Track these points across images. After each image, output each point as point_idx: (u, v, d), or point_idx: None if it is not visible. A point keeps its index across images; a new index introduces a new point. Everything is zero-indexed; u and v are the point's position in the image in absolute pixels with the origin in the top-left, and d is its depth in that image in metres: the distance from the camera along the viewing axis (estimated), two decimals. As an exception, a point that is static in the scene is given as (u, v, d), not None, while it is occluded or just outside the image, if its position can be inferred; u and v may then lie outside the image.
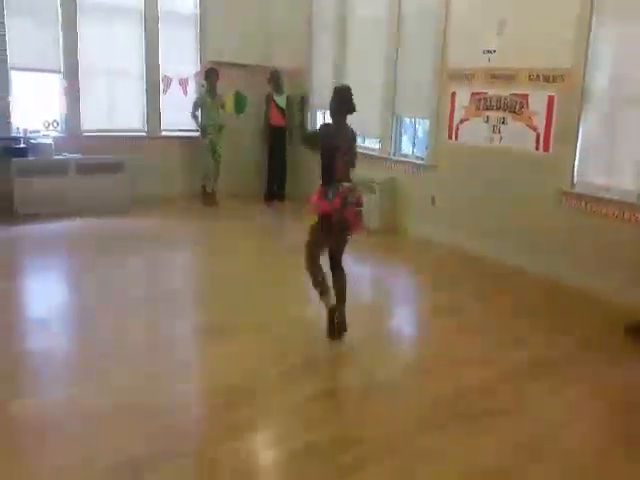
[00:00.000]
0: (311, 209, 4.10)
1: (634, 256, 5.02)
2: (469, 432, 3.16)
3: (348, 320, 4.23)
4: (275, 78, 8.78)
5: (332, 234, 4.11)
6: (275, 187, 9.04)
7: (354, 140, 4.31)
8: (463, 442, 3.06)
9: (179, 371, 3.70)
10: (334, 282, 4.24)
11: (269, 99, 8.86)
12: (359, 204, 4.14)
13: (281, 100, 8.82)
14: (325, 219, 4.03)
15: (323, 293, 4.16)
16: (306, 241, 4.18)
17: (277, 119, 8.83)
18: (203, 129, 8.38)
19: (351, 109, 4.15)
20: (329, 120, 4.32)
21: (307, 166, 8.84)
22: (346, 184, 4.07)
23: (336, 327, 4.16)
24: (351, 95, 4.16)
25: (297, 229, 5.01)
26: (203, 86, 8.49)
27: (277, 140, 8.89)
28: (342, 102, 4.14)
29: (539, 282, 5.70)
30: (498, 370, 3.91)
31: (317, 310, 4.38)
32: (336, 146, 4.05)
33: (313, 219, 4.10)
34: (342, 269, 4.29)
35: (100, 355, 3.86)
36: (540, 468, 2.87)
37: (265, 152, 9.08)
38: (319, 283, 4.15)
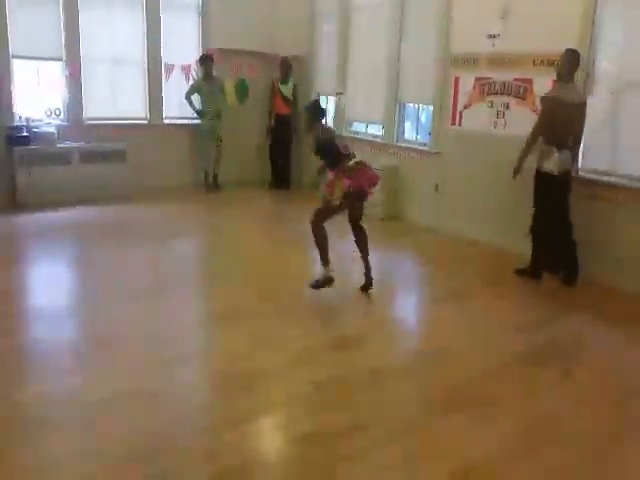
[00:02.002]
0: (339, 188, 4.58)
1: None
2: (470, 420, 3.16)
3: (349, 314, 4.23)
4: (283, 66, 8.68)
5: (351, 204, 4.74)
6: (280, 175, 8.99)
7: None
8: (465, 430, 3.07)
9: (181, 359, 3.70)
10: (357, 239, 4.94)
11: (273, 88, 8.79)
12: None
13: (286, 89, 8.72)
14: (352, 193, 4.61)
15: (324, 264, 4.71)
16: (317, 208, 4.71)
17: (281, 108, 8.74)
18: (201, 115, 8.36)
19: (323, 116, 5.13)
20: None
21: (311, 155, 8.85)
22: (351, 162, 4.74)
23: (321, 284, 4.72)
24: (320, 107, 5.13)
25: (302, 216, 5.01)
26: (195, 76, 8.47)
27: (281, 128, 8.79)
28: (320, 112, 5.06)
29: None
30: (501, 357, 3.92)
31: (319, 294, 4.39)
32: (334, 138, 4.89)
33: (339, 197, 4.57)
34: (362, 227, 4.95)
35: (101, 344, 3.87)
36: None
37: (268, 141, 9.00)
38: (322, 250, 4.69)
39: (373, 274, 4.91)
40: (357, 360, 3.81)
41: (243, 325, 4.23)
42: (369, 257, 4.92)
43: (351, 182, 4.57)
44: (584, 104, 5.20)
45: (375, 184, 4.78)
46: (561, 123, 5.04)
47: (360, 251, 4.94)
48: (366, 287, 4.92)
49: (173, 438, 2.87)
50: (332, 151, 4.74)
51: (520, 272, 5.45)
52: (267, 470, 2.78)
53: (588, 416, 3.28)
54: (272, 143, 8.94)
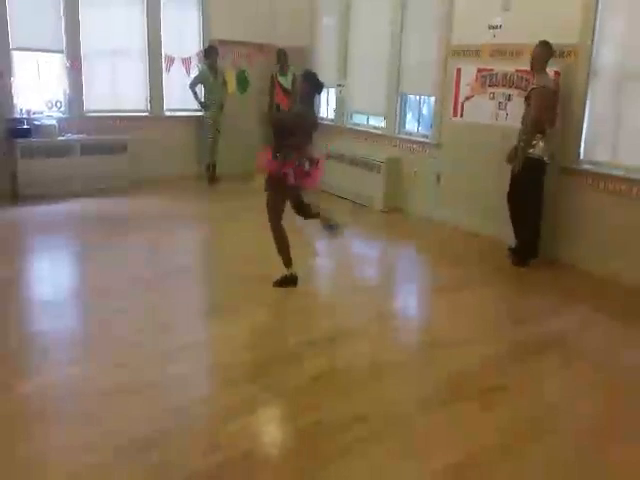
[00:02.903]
0: (261, 168, 4.63)
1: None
2: (470, 411, 3.17)
3: (349, 305, 4.22)
4: (280, 58, 8.60)
5: (287, 192, 4.59)
6: None
7: (314, 125, 4.96)
8: (465, 421, 3.07)
9: (182, 350, 3.71)
10: (305, 217, 4.87)
11: (273, 80, 8.69)
12: (309, 164, 4.60)
13: (286, 81, 8.61)
14: (275, 179, 4.49)
15: (287, 265, 4.64)
16: (267, 204, 4.61)
17: (281, 100, 8.61)
18: (205, 106, 8.35)
19: (320, 91, 4.91)
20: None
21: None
22: (301, 156, 4.56)
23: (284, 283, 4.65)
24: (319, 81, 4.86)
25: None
26: (198, 66, 8.45)
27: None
28: (316, 87, 4.81)
29: (545, 261, 5.68)
30: (498, 347, 3.92)
31: (319, 288, 4.39)
32: (295, 128, 4.58)
33: (261, 178, 4.60)
34: (306, 205, 4.82)
35: (103, 336, 3.88)
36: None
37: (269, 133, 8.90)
38: (283, 252, 4.60)
39: (372, 266, 4.89)
40: (357, 351, 3.81)
41: (243, 316, 4.23)
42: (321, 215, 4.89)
43: (278, 169, 4.46)
44: (558, 91, 5.50)
45: (311, 186, 4.73)
46: (545, 111, 5.29)
47: (314, 217, 4.88)
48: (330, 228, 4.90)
49: (173, 429, 2.88)
50: (284, 143, 4.49)
51: (515, 252, 5.62)
52: (267, 461, 2.78)
53: (588, 406, 3.29)
54: None
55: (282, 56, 8.57)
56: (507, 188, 5.58)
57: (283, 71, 8.62)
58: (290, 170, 4.43)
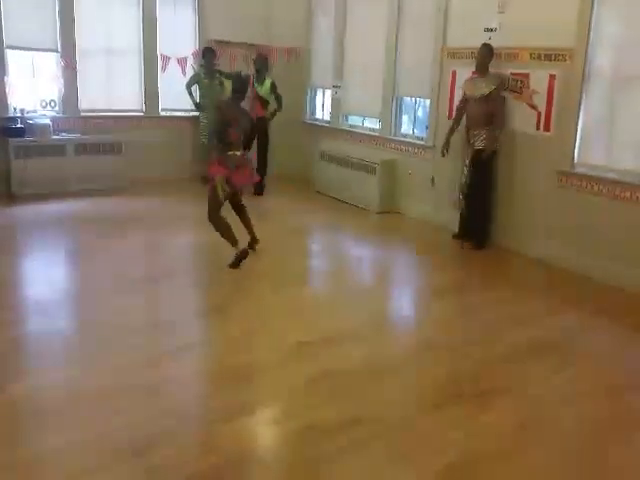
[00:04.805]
0: (213, 173, 5.13)
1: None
2: (468, 412, 3.17)
3: (346, 307, 4.22)
4: (258, 64, 8.00)
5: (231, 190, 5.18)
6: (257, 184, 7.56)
7: (250, 120, 5.49)
8: (462, 422, 3.08)
9: (180, 351, 3.70)
10: (241, 218, 5.51)
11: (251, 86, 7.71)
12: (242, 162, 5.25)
13: (262, 89, 7.95)
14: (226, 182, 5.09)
15: (234, 244, 5.10)
16: (208, 199, 5.13)
17: (258, 110, 7.86)
18: (199, 106, 8.33)
19: (245, 93, 5.46)
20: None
21: (293, 150, 8.86)
22: (238, 153, 5.16)
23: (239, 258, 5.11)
24: (247, 83, 5.49)
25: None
26: (195, 67, 8.43)
27: (258, 131, 7.58)
28: (241, 87, 5.34)
29: (536, 263, 5.71)
30: (496, 350, 3.93)
31: (315, 290, 4.38)
32: (236, 119, 5.13)
33: (222, 182, 5.06)
34: (243, 206, 5.51)
35: (100, 337, 3.86)
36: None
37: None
38: (227, 235, 5.09)
39: (368, 268, 4.93)
40: (354, 353, 3.81)
41: (240, 317, 4.23)
42: (253, 228, 5.55)
43: (226, 172, 5.05)
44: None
45: (251, 183, 5.53)
46: None
47: (245, 226, 5.50)
48: (252, 244, 5.49)
49: (171, 431, 2.87)
50: (222, 133, 5.06)
51: (461, 238, 6.24)
52: (264, 462, 2.79)
53: (589, 408, 3.30)
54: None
55: (260, 61, 8.03)
56: (502, 191, 5.63)
57: (259, 79, 7.97)
58: (224, 167, 5.04)
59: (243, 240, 5.28)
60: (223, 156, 5.11)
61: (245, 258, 5.12)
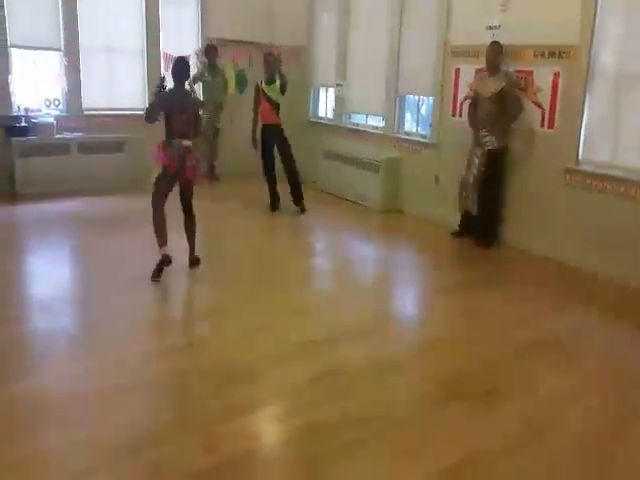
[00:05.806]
0: (154, 160, 4.78)
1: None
2: (471, 411, 3.16)
3: (349, 306, 4.21)
4: (268, 64, 7.14)
5: (175, 182, 4.83)
6: (291, 197, 7.28)
7: (195, 105, 5.08)
8: (466, 421, 3.07)
9: (180, 350, 3.71)
10: (185, 227, 5.03)
11: (258, 92, 7.19)
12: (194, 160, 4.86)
13: (273, 91, 7.10)
14: (165, 169, 4.73)
15: (161, 245, 4.72)
16: (152, 186, 4.78)
17: (268, 116, 7.13)
18: (203, 105, 8.30)
19: (186, 76, 5.06)
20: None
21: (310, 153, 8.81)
22: (185, 142, 4.73)
23: (159, 266, 4.72)
24: (187, 65, 5.01)
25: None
26: (197, 65, 8.42)
27: (274, 140, 7.16)
28: (179, 70, 4.92)
29: (543, 261, 5.68)
30: (501, 348, 3.92)
31: (318, 289, 4.37)
32: (173, 106, 4.76)
33: (158, 169, 4.75)
34: (192, 215, 5.02)
35: (100, 335, 3.86)
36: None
37: (258, 155, 7.34)
38: (157, 231, 4.74)
39: (371, 266, 4.91)
40: (357, 352, 3.79)
41: (242, 316, 4.23)
42: (195, 241, 5.10)
43: (165, 159, 4.68)
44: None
45: (193, 181, 4.90)
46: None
47: (187, 237, 5.05)
48: (193, 263, 5.09)
49: (172, 429, 2.87)
50: (166, 120, 4.72)
51: (461, 236, 6.30)
52: (266, 461, 2.78)
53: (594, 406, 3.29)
54: (265, 160, 7.27)
55: (271, 62, 7.14)
56: (507, 189, 5.60)
57: (269, 80, 7.12)
58: (171, 159, 4.68)
59: (244, 242, 5.25)
60: (167, 142, 4.73)
61: (166, 265, 4.70)
